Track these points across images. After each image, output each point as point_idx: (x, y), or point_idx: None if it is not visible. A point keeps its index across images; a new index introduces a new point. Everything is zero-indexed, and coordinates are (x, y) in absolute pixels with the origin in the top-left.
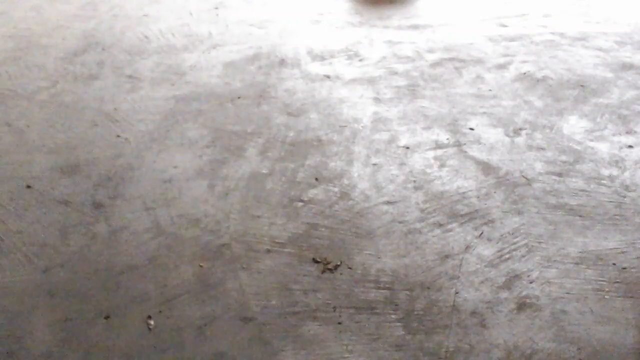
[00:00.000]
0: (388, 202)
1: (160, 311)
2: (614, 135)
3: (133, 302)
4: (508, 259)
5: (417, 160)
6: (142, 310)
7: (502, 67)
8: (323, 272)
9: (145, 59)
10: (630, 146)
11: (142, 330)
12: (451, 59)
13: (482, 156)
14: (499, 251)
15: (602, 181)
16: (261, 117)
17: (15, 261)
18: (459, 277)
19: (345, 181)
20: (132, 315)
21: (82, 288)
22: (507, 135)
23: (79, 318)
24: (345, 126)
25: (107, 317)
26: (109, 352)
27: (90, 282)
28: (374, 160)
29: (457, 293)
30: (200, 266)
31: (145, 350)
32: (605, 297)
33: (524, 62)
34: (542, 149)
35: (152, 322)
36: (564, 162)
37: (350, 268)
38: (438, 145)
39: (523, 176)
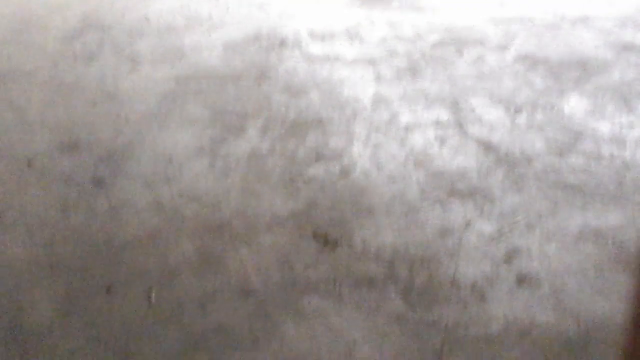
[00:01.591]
0: (389, 180)
1: (161, 285)
2: (614, 115)
3: (134, 276)
4: (508, 235)
5: (418, 140)
6: (143, 285)
7: (503, 48)
8: (323, 247)
9: (146, 40)
10: (631, 126)
11: (143, 304)
12: (452, 40)
13: (483, 135)
14: (499, 227)
15: (603, 160)
16: (261, 98)
17: (16, 236)
18: (459, 252)
19: (346, 160)
20: (134, 290)
21: (83, 262)
22: (508, 115)
23: (81, 292)
24: (346, 106)
25: (108, 291)
26: (110, 325)
27: (91, 256)
28: (374, 139)
29: (457, 268)
30: (201, 241)
31: (147, 324)
32: (605, 272)
33: (525, 43)
34: (543, 128)
35: (153, 296)
36: (565, 141)
37: (350, 244)
38: (438, 124)
39: (523, 155)
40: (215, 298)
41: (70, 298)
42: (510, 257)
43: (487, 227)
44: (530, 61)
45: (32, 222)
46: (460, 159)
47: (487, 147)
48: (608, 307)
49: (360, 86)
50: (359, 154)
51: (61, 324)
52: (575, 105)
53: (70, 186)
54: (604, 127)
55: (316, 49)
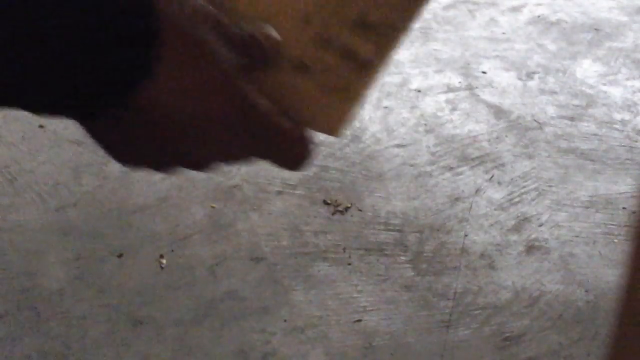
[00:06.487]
0: (399, 145)
1: (172, 250)
2: (627, 79)
3: (145, 241)
4: (518, 202)
5: (429, 104)
6: (154, 250)
7: (516, 9)
8: (333, 214)
9: None
10: None
11: (154, 268)
12: (465, 2)
13: (494, 100)
14: (509, 194)
15: (614, 125)
16: None
17: (28, 200)
18: (468, 219)
19: (356, 124)
20: (145, 254)
21: (94, 227)
22: (520, 78)
23: (92, 256)
24: None
25: (119, 256)
26: (122, 290)
27: (102, 221)
28: (385, 103)
29: (466, 235)
30: (212, 207)
31: (158, 288)
32: (614, 240)
33: (538, 4)
34: (555, 92)
35: (164, 261)
36: (577, 106)
37: (360, 210)
38: (450, 89)
39: (535, 120)
40: (225, 263)
41: (82, 263)
42: (519, 224)
43: (497, 194)
44: (544, 23)
45: (44, 186)
46: (471, 123)
47: (499, 111)
48: (617, 275)
49: None
50: (370, 118)
51: (73, 289)
52: (587, 69)
53: (81, 150)
54: (616, 92)
55: None
